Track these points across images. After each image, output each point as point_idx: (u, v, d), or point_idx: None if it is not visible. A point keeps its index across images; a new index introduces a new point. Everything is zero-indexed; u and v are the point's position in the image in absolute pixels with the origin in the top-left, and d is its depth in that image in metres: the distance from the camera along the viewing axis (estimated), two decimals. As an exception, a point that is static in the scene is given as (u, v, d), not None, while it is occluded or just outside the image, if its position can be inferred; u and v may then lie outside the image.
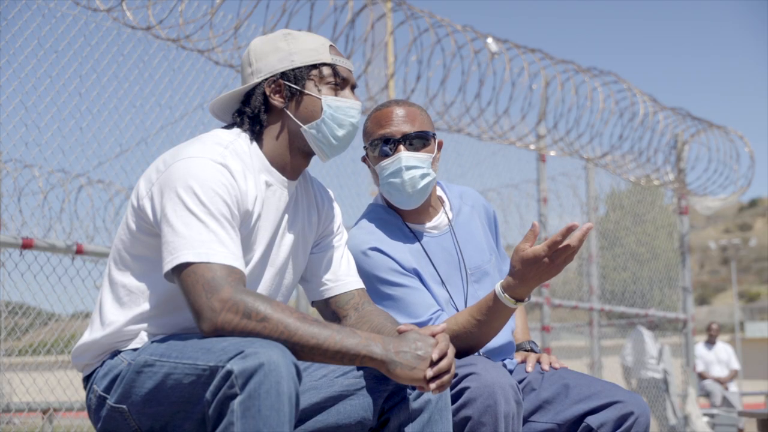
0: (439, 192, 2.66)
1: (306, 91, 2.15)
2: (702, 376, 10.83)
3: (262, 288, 2.16)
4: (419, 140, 2.51)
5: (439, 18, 5.80)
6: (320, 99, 2.15)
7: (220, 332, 1.88)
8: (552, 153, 7.41)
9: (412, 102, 2.59)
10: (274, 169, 2.16)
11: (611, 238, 10.06)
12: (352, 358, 1.90)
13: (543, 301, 7.52)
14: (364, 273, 2.44)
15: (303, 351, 1.88)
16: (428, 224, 2.59)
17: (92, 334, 2.10)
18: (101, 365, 2.09)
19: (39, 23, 4.60)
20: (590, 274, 8.78)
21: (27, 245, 4.13)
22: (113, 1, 4.49)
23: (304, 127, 2.15)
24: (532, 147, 7.23)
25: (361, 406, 2.06)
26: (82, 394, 6.80)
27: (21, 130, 4.51)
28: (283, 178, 2.18)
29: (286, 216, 2.19)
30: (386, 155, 2.50)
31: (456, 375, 2.24)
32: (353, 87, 2.22)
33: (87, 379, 2.13)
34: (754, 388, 23.82)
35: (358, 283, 2.31)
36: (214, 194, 1.97)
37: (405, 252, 2.50)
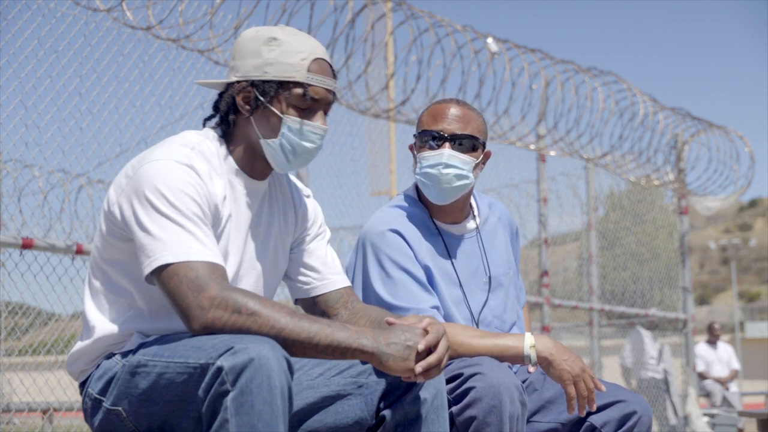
0: (469, 198, 2.67)
1: (271, 107, 2.10)
2: (702, 376, 10.82)
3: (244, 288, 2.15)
4: (467, 143, 2.53)
5: (439, 18, 5.79)
6: (282, 118, 2.09)
7: (210, 330, 1.88)
8: (552, 153, 7.41)
9: (472, 107, 2.61)
10: (241, 170, 2.15)
11: (611, 238, 10.06)
12: (344, 352, 1.89)
13: (543, 301, 7.52)
14: (375, 250, 2.47)
15: (294, 345, 1.87)
16: (456, 225, 2.61)
17: (84, 341, 2.10)
18: (96, 368, 2.09)
19: (39, 23, 4.61)
20: (590, 274, 8.78)
21: (27, 245, 4.13)
22: (113, 1, 4.49)
23: (263, 140, 2.12)
24: (532, 147, 7.23)
25: (358, 406, 2.06)
26: (82, 394, 6.78)
27: (21, 130, 4.51)
28: (251, 179, 2.16)
29: (259, 216, 2.18)
30: (431, 148, 2.52)
31: (461, 375, 2.25)
32: (327, 106, 2.15)
33: (83, 385, 2.13)
34: (754, 388, 23.82)
35: (345, 281, 2.31)
36: (183, 195, 1.96)
37: (423, 246, 2.52)
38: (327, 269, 2.30)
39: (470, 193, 2.63)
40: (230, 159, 2.14)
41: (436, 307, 2.46)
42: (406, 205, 2.60)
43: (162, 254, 1.91)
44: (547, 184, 7.73)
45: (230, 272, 2.10)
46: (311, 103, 2.11)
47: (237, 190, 2.13)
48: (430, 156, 2.52)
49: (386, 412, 2.05)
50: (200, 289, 1.88)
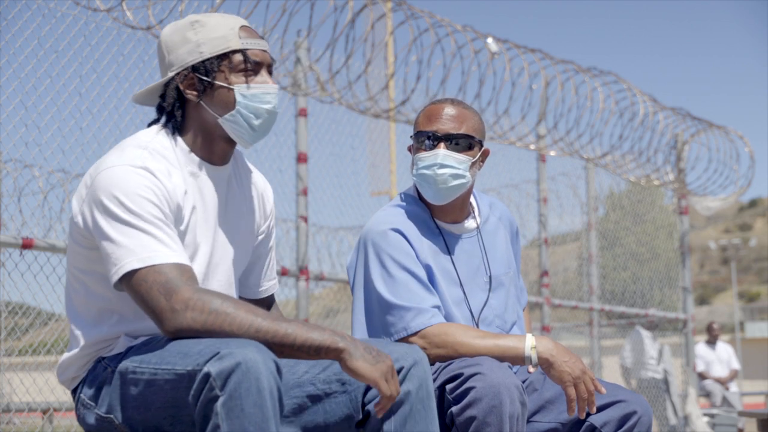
0: (470, 198, 2.68)
1: (217, 83, 2.10)
2: (702, 376, 10.82)
3: (216, 281, 2.15)
4: (463, 142, 2.53)
5: (439, 18, 5.79)
6: (232, 89, 2.10)
7: (185, 332, 1.88)
8: (552, 153, 7.41)
9: (468, 105, 2.61)
10: (199, 159, 2.14)
11: (611, 238, 10.06)
12: (318, 350, 1.89)
13: (543, 301, 7.52)
14: (376, 250, 2.47)
15: (271, 345, 1.87)
16: (456, 225, 2.61)
17: (71, 350, 2.10)
18: (86, 374, 2.09)
19: (39, 23, 4.61)
20: (590, 274, 8.78)
21: (27, 245, 4.13)
22: (113, 1, 4.49)
23: (221, 118, 2.12)
24: (532, 147, 7.23)
25: (344, 403, 2.05)
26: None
27: (21, 130, 4.51)
28: (212, 165, 2.16)
29: (226, 202, 2.18)
30: (427, 149, 2.52)
31: (461, 375, 2.25)
32: (270, 67, 2.16)
33: (74, 392, 2.13)
34: (754, 388, 23.82)
35: (275, 287, 2.40)
36: (141, 199, 1.96)
37: (424, 245, 2.52)
38: (266, 277, 2.37)
39: (470, 192, 2.63)
40: (186, 149, 2.13)
41: (437, 307, 2.46)
42: (406, 204, 2.61)
43: (127, 261, 1.91)
44: (547, 184, 7.73)
45: (203, 263, 2.10)
46: (254, 66, 2.12)
47: (199, 179, 2.13)
48: (425, 157, 2.52)
49: (371, 407, 2.04)
50: (172, 292, 1.88)
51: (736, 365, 11.34)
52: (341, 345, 1.89)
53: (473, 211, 2.68)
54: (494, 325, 2.58)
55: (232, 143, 2.18)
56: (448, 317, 2.50)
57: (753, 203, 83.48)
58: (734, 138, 8.75)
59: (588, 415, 2.39)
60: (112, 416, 1.99)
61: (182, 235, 2.05)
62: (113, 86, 5.09)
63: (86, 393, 2.06)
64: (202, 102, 2.12)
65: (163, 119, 2.16)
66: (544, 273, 7.63)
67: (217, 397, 1.76)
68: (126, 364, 1.97)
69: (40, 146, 4.63)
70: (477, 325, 2.55)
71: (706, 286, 65.20)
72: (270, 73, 2.16)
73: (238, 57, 2.10)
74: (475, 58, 6.04)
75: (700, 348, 11.10)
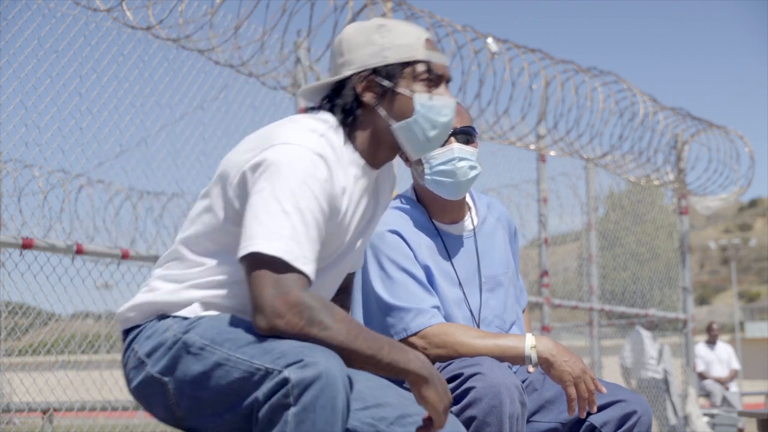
0: (467, 198, 2.69)
1: (398, 90, 2.08)
2: (702, 376, 10.83)
3: (330, 279, 2.14)
4: (467, 134, 2.56)
5: (439, 18, 5.79)
6: (413, 98, 2.08)
7: (277, 333, 1.85)
8: (552, 153, 7.41)
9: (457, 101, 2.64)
10: (362, 161, 2.10)
11: (611, 238, 10.07)
12: (399, 372, 1.89)
13: (543, 301, 7.52)
14: (374, 251, 2.48)
15: (357, 361, 1.86)
16: (454, 225, 2.62)
17: (147, 294, 2.05)
18: (146, 324, 2.04)
19: (39, 23, 4.61)
20: (590, 274, 8.79)
21: (27, 245, 4.13)
22: (113, 1, 4.49)
23: (395, 125, 2.09)
24: (532, 147, 7.23)
25: None
26: (83, 394, 6.80)
27: (21, 130, 4.52)
28: (370, 169, 2.13)
29: (368, 206, 2.17)
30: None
31: (461, 375, 2.26)
32: (448, 81, 2.15)
33: (126, 333, 2.08)
34: (754, 388, 23.83)
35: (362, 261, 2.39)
36: (307, 190, 1.92)
37: (422, 246, 2.53)
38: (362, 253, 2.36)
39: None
40: (353, 151, 2.09)
41: (437, 307, 2.46)
42: (404, 206, 2.61)
43: (259, 241, 1.87)
44: (547, 184, 7.73)
45: (323, 264, 2.07)
46: (436, 78, 2.11)
47: (358, 182, 2.10)
48: (438, 155, 2.52)
49: None
50: (281, 291, 1.84)
51: (736, 365, 11.35)
52: (424, 373, 1.89)
53: (470, 212, 2.68)
54: (493, 325, 2.58)
55: (394, 152, 2.15)
56: (448, 318, 2.50)
57: (753, 203, 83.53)
58: (734, 138, 8.75)
59: (588, 414, 2.39)
60: (167, 379, 1.95)
61: (328, 235, 2.01)
62: (113, 86, 5.10)
63: (141, 345, 2.01)
64: (378, 107, 2.09)
65: (339, 114, 2.10)
66: (544, 273, 7.63)
67: (288, 405, 1.74)
68: (195, 338, 1.92)
69: (40, 146, 4.64)
70: (477, 325, 2.55)
71: (706, 286, 65.25)
72: (447, 88, 2.15)
73: (422, 67, 2.09)
74: (475, 58, 6.04)
75: (700, 348, 11.10)
